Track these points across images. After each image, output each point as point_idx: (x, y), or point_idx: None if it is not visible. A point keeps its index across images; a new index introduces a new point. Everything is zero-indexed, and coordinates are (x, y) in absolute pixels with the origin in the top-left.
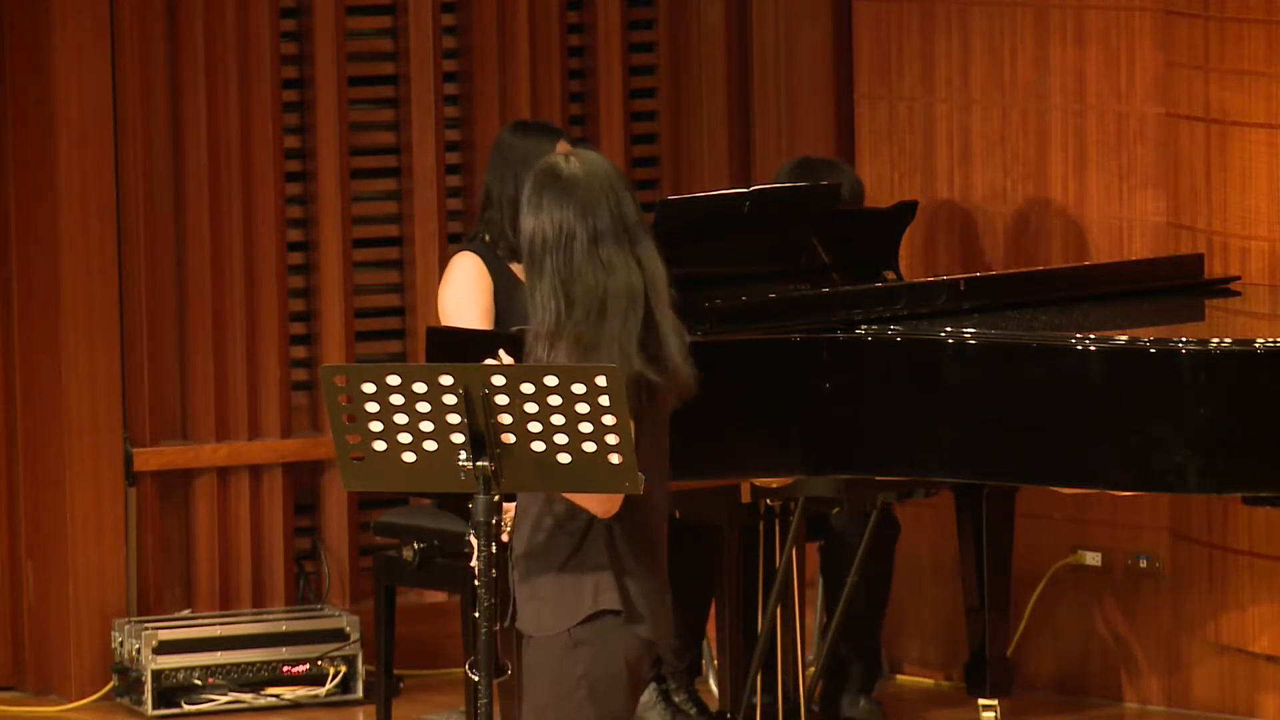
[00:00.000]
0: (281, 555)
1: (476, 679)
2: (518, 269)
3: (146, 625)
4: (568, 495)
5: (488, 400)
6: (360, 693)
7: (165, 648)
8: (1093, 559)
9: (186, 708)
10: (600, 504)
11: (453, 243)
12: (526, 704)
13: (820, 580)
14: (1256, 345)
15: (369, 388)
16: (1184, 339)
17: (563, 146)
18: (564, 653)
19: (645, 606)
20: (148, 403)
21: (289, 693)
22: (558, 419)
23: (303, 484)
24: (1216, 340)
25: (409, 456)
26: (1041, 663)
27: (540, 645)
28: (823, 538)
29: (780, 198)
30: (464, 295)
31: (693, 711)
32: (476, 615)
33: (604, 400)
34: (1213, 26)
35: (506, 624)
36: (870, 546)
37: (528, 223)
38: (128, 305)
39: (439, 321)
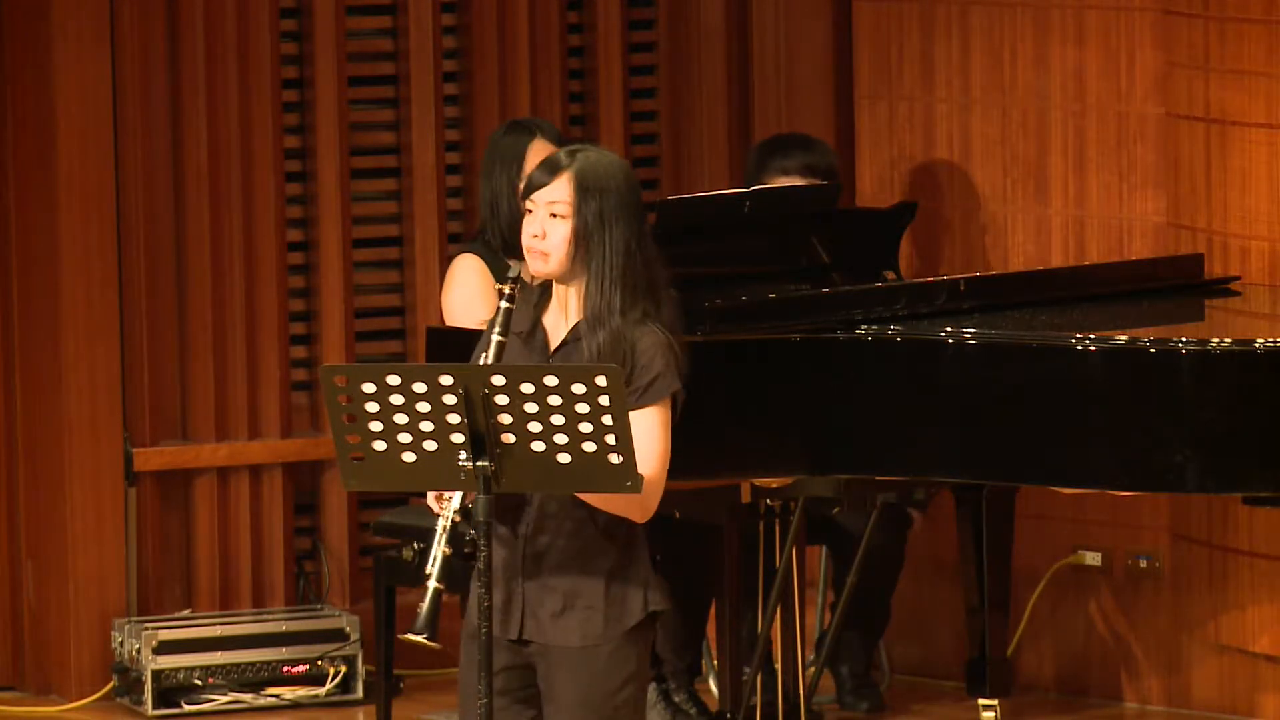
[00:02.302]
0: (281, 555)
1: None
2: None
3: (146, 625)
4: (604, 508)
5: (488, 400)
6: (360, 693)
7: (165, 648)
8: (1093, 559)
9: (186, 708)
10: (642, 512)
11: (453, 243)
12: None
13: (823, 578)
14: (1256, 345)
15: (369, 388)
16: (1184, 339)
17: (541, 145)
18: (614, 659)
19: None
20: (148, 403)
21: (289, 693)
22: (558, 419)
23: (303, 484)
24: (1216, 340)
25: (409, 456)
26: (1041, 663)
27: (588, 654)
28: (828, 536)
29: (780, 197)
30: (468, 296)
31: (693, 711)
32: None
33: (604, 400)
34: (1213, 26)
35: (514, 636)
36: (871, 545)
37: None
38: (128, 305)
39: (441, 322)
